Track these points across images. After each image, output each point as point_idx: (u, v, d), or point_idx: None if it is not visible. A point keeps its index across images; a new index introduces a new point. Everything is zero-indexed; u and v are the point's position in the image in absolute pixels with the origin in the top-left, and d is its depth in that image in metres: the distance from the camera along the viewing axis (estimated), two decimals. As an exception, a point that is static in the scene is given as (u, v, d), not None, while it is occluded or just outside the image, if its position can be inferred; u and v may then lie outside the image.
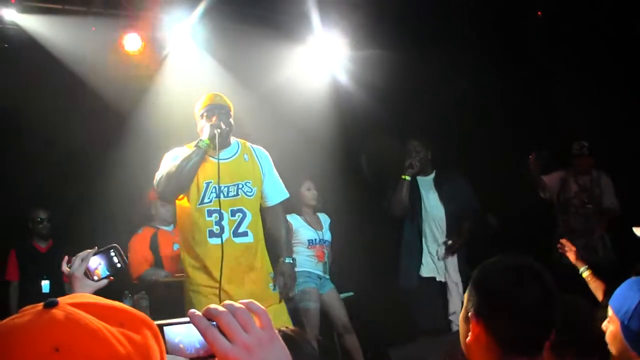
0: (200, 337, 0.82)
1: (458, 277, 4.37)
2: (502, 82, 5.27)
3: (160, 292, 4.12)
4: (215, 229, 3.05)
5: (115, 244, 1.96)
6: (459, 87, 5.27)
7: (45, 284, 4.67)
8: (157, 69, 5.22)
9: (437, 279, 4.40)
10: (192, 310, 0.83)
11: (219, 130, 3.03)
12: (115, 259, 1.93)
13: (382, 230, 4.88)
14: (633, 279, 1.85)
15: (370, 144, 5.47)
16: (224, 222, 3.07)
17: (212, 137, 3.02)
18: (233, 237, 3.09)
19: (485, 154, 5.20)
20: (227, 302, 0.84)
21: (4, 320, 0.74)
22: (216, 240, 3.05)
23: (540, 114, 5.37)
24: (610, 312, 1.84)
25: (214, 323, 0.82)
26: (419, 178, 4.51)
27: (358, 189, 5.47)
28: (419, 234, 4.42)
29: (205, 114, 3.16)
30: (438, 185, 4.51)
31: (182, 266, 3.25)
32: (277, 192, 3.35)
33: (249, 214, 3.14)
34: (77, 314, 0.73)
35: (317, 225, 4.55)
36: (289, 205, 3.88)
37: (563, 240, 3.40)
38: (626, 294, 1.80)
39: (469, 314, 1.48)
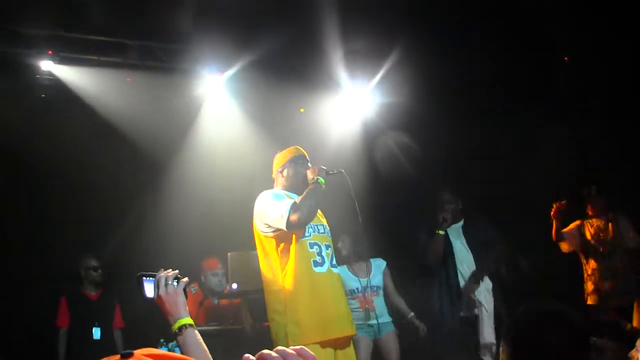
0: None
1: (491, 308, 4.47)
2: (526, 126, 5.39)
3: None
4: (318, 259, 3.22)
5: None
6: (484, 135, 5.39)
7: (96, 330, 4.71)
8: (192, 120, 5.35)
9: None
10: (247, 355, 0.87)
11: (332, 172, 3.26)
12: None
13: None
14: None
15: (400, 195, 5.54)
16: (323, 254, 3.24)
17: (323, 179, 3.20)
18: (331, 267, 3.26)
19: (515, 201, 5.29)
20: (280, 347, 0.88)
21: None
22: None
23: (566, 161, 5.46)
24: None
25: None
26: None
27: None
28: (455, 278, 4.52)
29: (299, 162, 3.34)
30: (466, 232, 4.61)
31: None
32: None
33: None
34: None
35: (362, 273, 4.60)
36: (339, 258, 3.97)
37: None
38: None
39: None
